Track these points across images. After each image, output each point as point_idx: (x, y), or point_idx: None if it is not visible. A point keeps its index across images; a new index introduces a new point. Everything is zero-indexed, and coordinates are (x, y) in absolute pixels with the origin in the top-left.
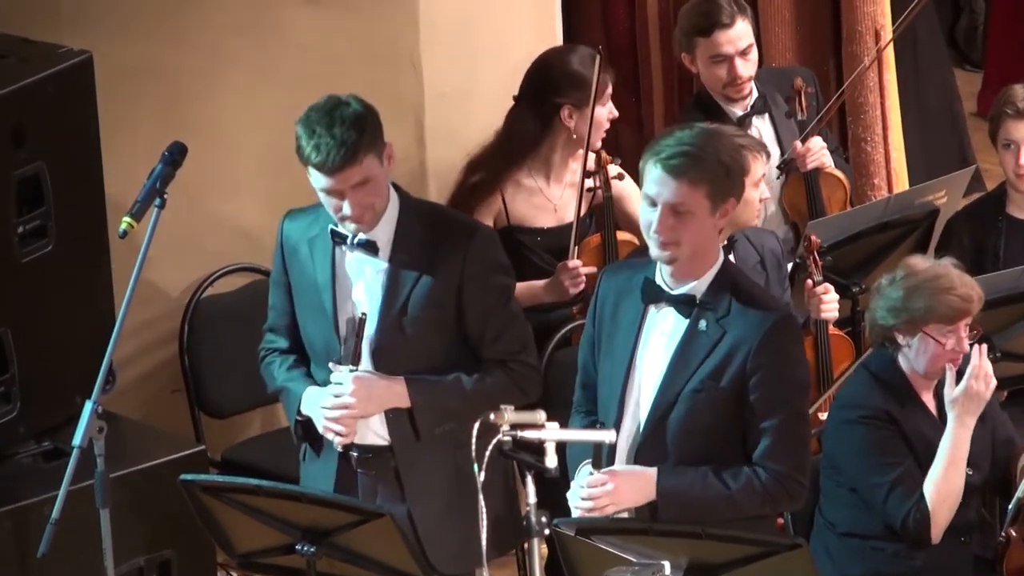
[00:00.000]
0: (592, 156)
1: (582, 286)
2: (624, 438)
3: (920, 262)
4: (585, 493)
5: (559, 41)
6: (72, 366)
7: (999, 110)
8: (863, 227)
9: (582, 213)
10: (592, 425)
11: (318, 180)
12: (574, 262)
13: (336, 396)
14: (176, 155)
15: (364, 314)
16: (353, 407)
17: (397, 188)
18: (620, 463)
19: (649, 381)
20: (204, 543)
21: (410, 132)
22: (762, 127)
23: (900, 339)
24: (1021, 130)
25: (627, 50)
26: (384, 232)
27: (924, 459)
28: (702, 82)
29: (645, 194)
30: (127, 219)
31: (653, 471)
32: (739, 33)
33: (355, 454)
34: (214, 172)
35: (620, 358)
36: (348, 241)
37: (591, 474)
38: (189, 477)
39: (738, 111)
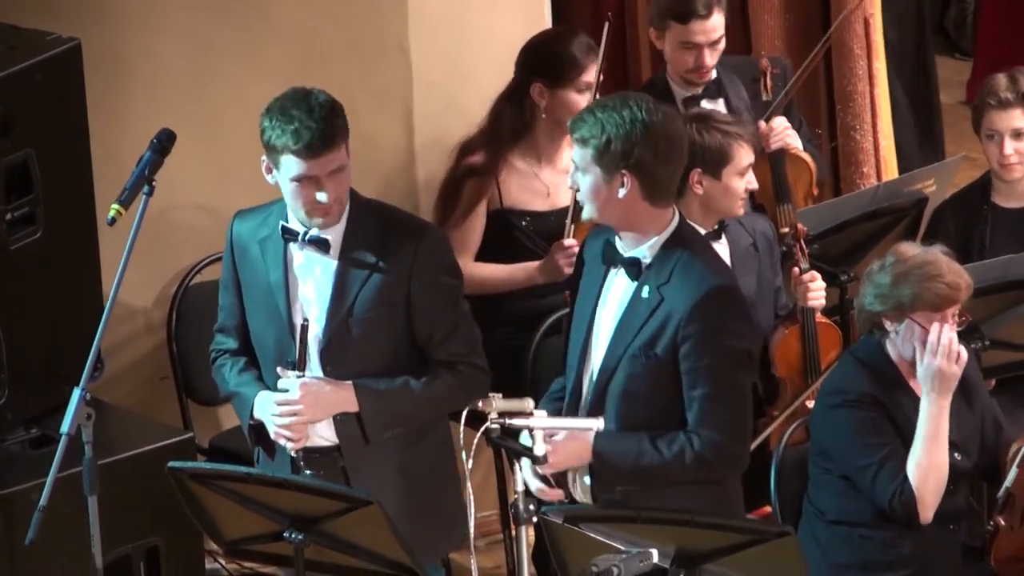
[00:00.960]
0: None
1: None
2: (582, 402)
3: (909, 249)
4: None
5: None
6: (60, 353)
7: (982, 100)
8: (852, 215)
9: None
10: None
11: (293, 168)
12: (569, 241)
13: (283, 404)
14: (164, 142)
15: (307, 320)
16: (302, 413)
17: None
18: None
19: (600, 345)
20: (192, 530)
21: (398, 119)
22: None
23: (888, 325)
24: (1004, 120)
25: (617, 38)
26: (335, 230)
27: (911, 443)
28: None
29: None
30: (115, 206)
31: (591, 435)
32: (714, 24)
33: (300, 453)
34: (202, 159)
35: (581, 321)
36: (299, 238)
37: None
38: (177, 464)
39: (684, 93)
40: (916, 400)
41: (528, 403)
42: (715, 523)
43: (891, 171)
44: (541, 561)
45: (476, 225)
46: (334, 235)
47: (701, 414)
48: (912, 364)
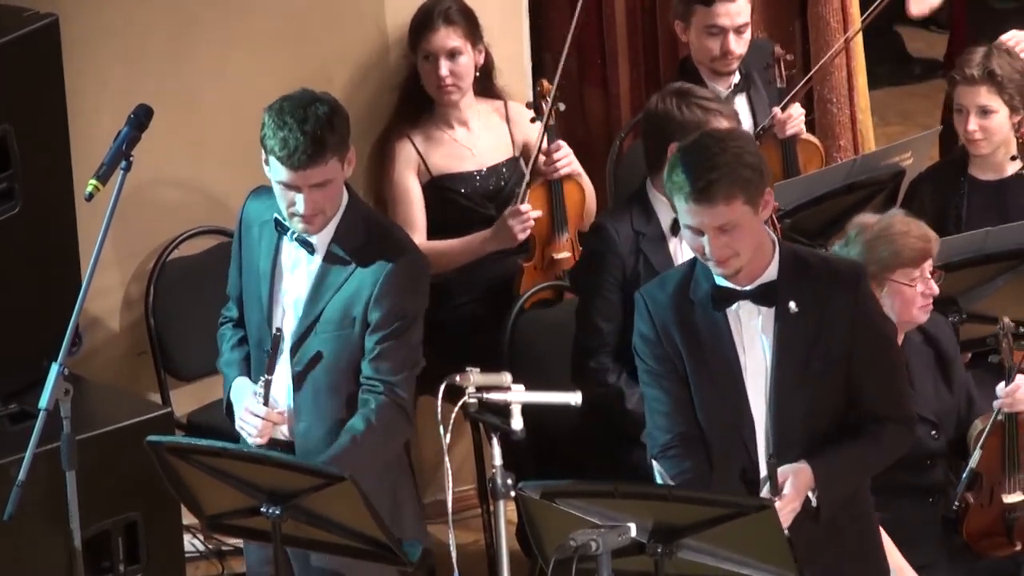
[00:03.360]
0: (524, 111)
1: (529, 231)
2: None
3: (868, 218)
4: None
5: None
6: (38, 328)
7: (952, 76)
8: (829, 188)
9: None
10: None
11: (277, 172)
12: (524, 206)
13: (250, 418)
14: (142, 118)
15: (279, 330)
16: (263, 433)
17: (350, 191)
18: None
19: (757, 386)
20: (170, 505)
21: (375, 95)
22: (740, 105)
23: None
24: (970, 96)
25: (593, 10)
26: (324, 233)
27: None
28: (691, 52)
29: (686, 225)
30: (93, 181)
31: (804, 465)
32: (739, 8)
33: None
34: (180, 135)
35: (720, 371)
36: (289, 233)
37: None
38: (156, 439)
39: (721, 89)
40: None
41: (506, 377)
42: (694, 497)
43: (868, 144)
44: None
45: (412, 201)
46: (320, 238)
47: (887, 398)
48: (898, 328)
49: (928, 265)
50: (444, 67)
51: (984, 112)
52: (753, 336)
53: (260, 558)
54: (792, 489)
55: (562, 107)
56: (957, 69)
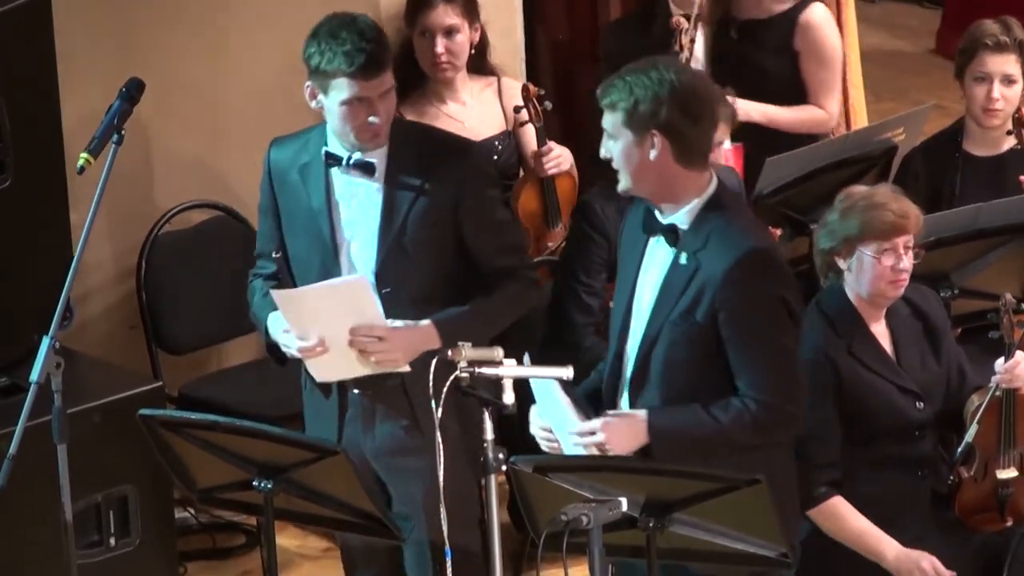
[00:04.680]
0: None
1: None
2: (624, 371)
3: (857, 188)
4: (575, 441)
5: None
6: (30, 302)
7: (976, 43)
8: (821, 164)
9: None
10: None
11: (345, 91)
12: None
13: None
14: (133, 91)
15: (363, 277)
16: (392, 358)
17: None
18: (623, 397)
19: (642, 314)
20: (161, 479)
21: None
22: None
23: (841, 263)
24: (997, 64)
25: None
26: (378, 153)
27: (853, 401)
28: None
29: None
30: (85, 155)
31: (643, 413)
32: None
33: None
34: (172, 108)
35: (623, 291)
36: (344, 162)
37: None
38: (148, 412)
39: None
40: (876, 347)
41: (498, 352)
42: (684, 471)
43: (860, 120)
44: (517, 513)
45: None
46: (378, 158)
47: (753, 378)
48: (868, 302)
49: (903, 240)
50: (440, 44)
51: (1008, 81)
52: (654, 269)
53: None
54: (609, 426)
55: (549, 106)
56: (980, 37)
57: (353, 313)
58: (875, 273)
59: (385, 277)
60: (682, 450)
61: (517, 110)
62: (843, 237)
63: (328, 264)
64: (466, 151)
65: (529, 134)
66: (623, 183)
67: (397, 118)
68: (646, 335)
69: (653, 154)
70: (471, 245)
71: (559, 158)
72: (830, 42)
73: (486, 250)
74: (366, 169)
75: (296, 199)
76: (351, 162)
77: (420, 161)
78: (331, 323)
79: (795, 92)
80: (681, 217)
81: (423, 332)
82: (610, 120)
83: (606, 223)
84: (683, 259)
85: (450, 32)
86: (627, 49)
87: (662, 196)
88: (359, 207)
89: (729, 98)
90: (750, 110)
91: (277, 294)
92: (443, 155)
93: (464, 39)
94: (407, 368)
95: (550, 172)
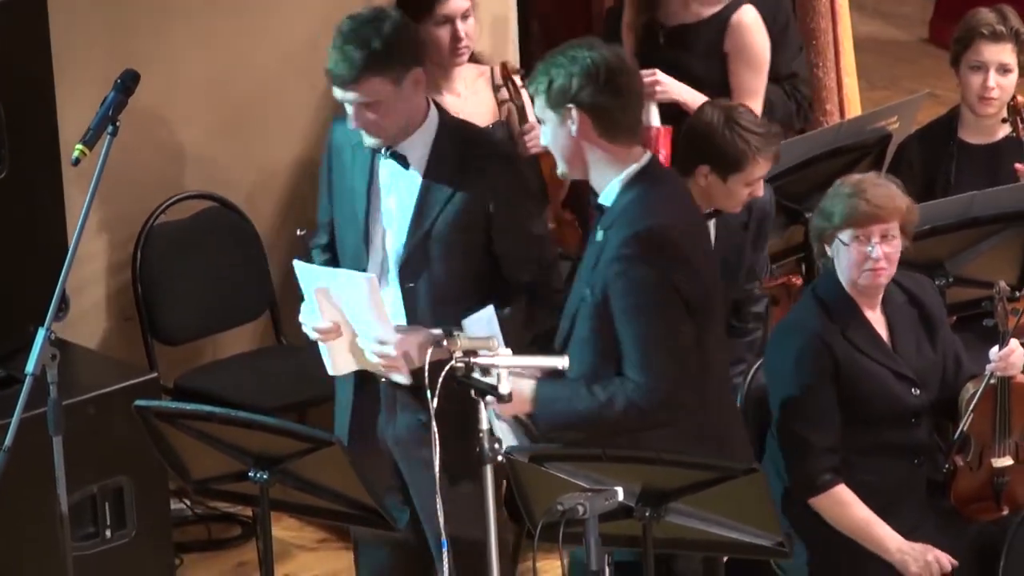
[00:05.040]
0: (496, 69)
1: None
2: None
3: (854, 175)
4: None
5: None
6: (25, 293)
7: (971, 32)
8: (815, 152)
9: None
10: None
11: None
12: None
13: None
14: (128, 82)
15: (372, 277)
16: (395, 365)
17: (438, 107)
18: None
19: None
20: (156, 470)
21: None
22: None
23: (827, 250)
24: (994, 52)
25: None
26: (418, 149)
27: (848, 386)
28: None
29: None
30: (80, 146)
31: (532, 383)
32: None
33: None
34: (167, 99)
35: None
36: (382, 151)
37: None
38: (144, 403)
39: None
40: (870, 332)
41: (494, 341)
42: (681, 460)
43: (854, 108)
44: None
45: None
46: (416, 153)
47: (630, 357)
48: (858, 291)
49: (878, 229)
50: (462, 28)
51: (1003, 70)
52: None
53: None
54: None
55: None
56: (976, 26)
57: (361, 308)
58: (849, 261)
59: (408, 273)
60: (564, 423)
61: (497, 89)
62: (826, 223)
63: (359, 248)
64: (509, 160)
65: (512, 114)
66: (559, 167)
67: (444, 114)
68: (565, 312)
69: (573, 129)
70: (499, 255)
71: (538, 137)
72: (759, 45)
73: (513, 262)
74: (400, 161)
75: (344, 178)
76: (387, 152)
77: (462, 162)
78: (341, 311)
79: (727, 97)
80: (608, 194)
81: (426, 340)
82: (537, 107)
83: None
84: (599, 236)
85: (466, 16)
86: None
87: (593, 174)
88: (398, 197)
89: (659, 75)
90: (673, 89)
91: (299, 265)
92: (485, 159)
93: (474, 22)
94: (406, 379)
95: (532, 151)
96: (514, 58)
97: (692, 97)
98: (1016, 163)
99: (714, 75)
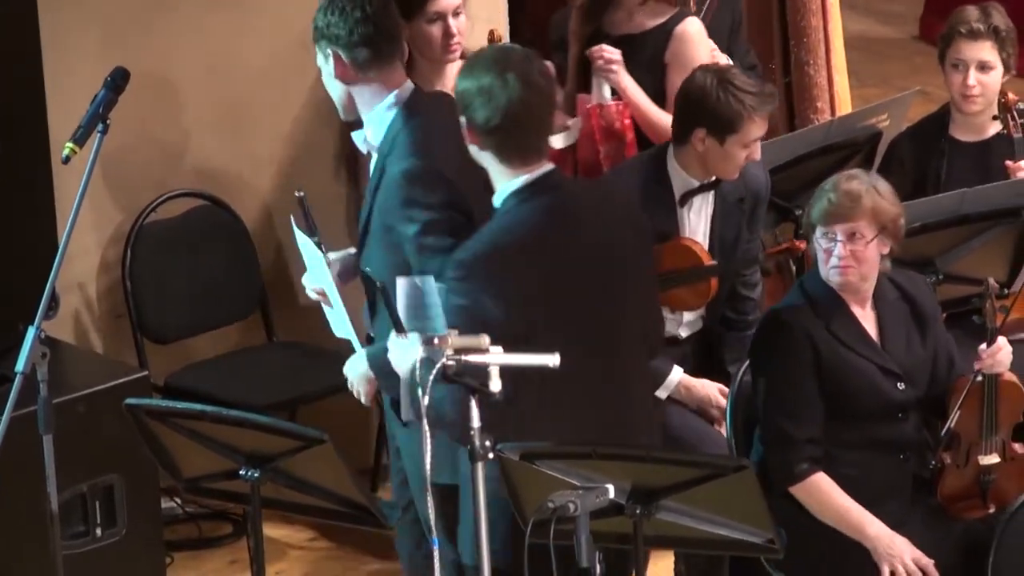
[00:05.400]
0: None
1: None
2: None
3: (844, 172)
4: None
5: None
6: (15, 291)
7: (952, 30)
8: (806, 150)
9: None
10: None
11: None
12: None
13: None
14: (119, 81)
15: (328, 256)
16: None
17: (411, 100)
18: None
19: None
20: (147, 469)
21: None
22: None
23: (811, 246)
24: (972, 51)
25: None
26: (373, 134)
27: (831, 380)
28: None
29: None
30: (70, 144)
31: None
32: None
33: None
34: (157, 98)
35: None
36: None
37: None
38: (134, 401)
39: None
40: (854, 321)
41: (484, 339)
42: (672, 458)
43: (845, 106)
44: None
45: None
46: (372, 137)
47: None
48: (838, 288)
49: (842, 228)
50: (454, 25)
51: (983, 68)
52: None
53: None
54: None
55: None
56: (956, 24)
57: (326, 282)
58: (822, 258)
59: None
60: (387, 367)
61: None
62: (806, 220)
63: (357, 245)
64: (402, 161)
65: None
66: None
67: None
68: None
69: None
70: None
71: None
72: (699, 57)
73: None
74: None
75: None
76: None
77: (385, 157)
78: (318, 278)
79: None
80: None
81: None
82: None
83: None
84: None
85: (457, 12)
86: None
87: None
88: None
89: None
90: (623, 78)
91: (294, 227)
92: (395, 155)
93: (465, 18)
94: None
95: None
96: None
97: (633, 92)
98: (1007, 160)
99: (659, 85)
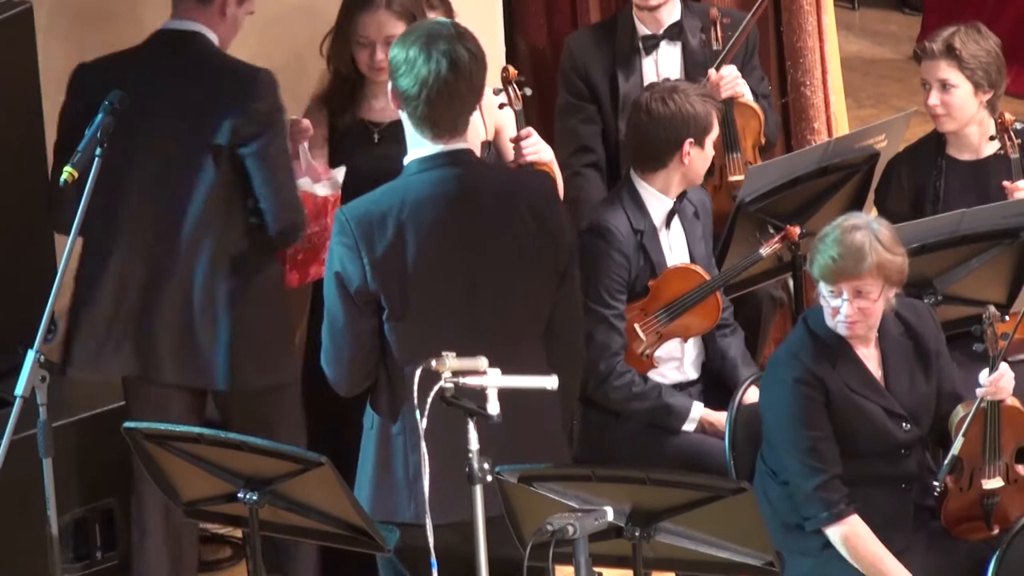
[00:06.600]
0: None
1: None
2: None
3: (843, 216)
4: None
5: None
6: (14, 315)
7: (916, 51)
8: (803, 171)
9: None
10: None
11: None
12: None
13: None
14: (116, 104)
15: None
16: None
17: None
18: None
19: None
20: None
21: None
22: (670, 53)
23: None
24: (931, 70)
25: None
26: None
27: (839, 420)
28: None
29: None
30: (68, 168)
31: None
32: None
33: None
34: None
35: None
36: None
37: None
38: (133, 425)
39: (647, 31)
40: (859, 365)
41: (482, 362)
42: (671, 480)
43: (842, 127)
44: None
45: None
46: None
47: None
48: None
49: (849, 286)
50: (380, 52)
51: (944, 86)
52: None
53: None
54: None
55: (528, 92)
56: (921, 46)
57: None
58: (825, 310)
59: None
60: None
61: (496, 92)
62: (809, 268)
63: None
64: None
65: (507, 120)
66: None
67: None
68: None
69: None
70: None
71: (537, 144)
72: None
73: None
74: None
75: None
76: None
77: None
78: None
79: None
80: None
81: None
82: None
83: (623, 241)
84: None
85: (389, 40)
86: (589, 60)
87: None
88: None
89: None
90: None
91: None
92: None
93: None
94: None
95: (528, 158)
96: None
97: None
98: (1004, 180)
99: None
